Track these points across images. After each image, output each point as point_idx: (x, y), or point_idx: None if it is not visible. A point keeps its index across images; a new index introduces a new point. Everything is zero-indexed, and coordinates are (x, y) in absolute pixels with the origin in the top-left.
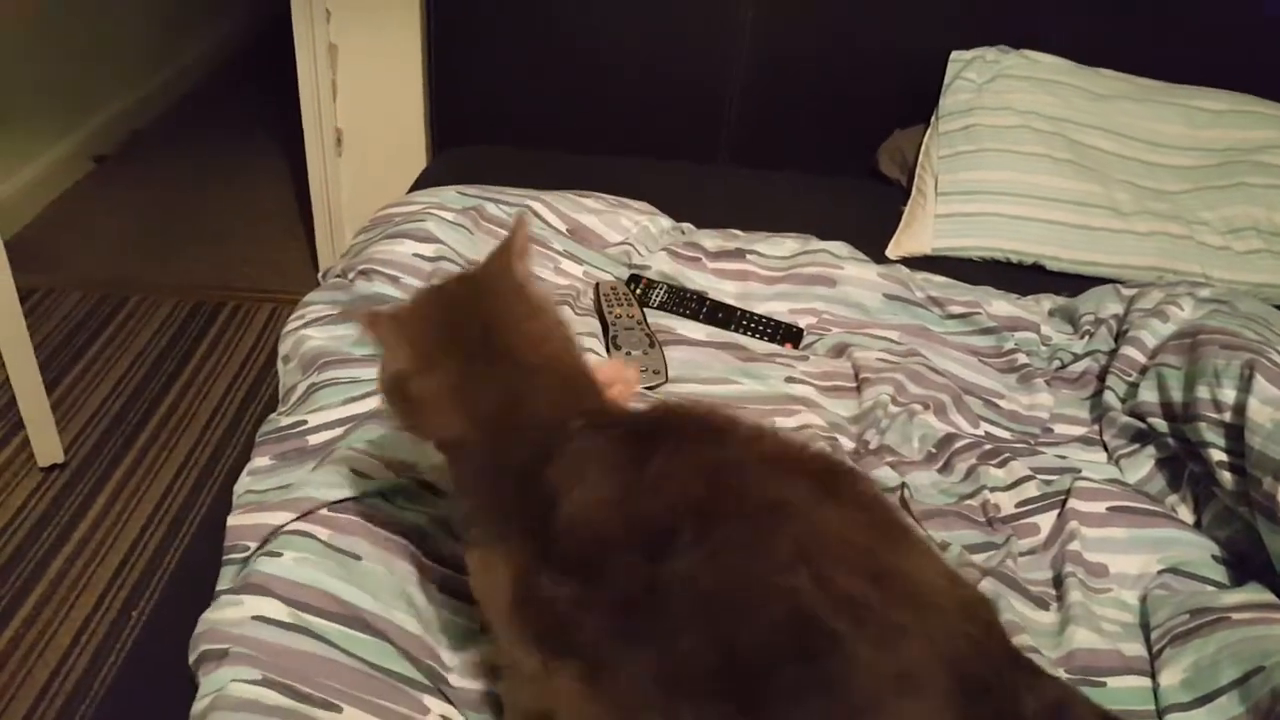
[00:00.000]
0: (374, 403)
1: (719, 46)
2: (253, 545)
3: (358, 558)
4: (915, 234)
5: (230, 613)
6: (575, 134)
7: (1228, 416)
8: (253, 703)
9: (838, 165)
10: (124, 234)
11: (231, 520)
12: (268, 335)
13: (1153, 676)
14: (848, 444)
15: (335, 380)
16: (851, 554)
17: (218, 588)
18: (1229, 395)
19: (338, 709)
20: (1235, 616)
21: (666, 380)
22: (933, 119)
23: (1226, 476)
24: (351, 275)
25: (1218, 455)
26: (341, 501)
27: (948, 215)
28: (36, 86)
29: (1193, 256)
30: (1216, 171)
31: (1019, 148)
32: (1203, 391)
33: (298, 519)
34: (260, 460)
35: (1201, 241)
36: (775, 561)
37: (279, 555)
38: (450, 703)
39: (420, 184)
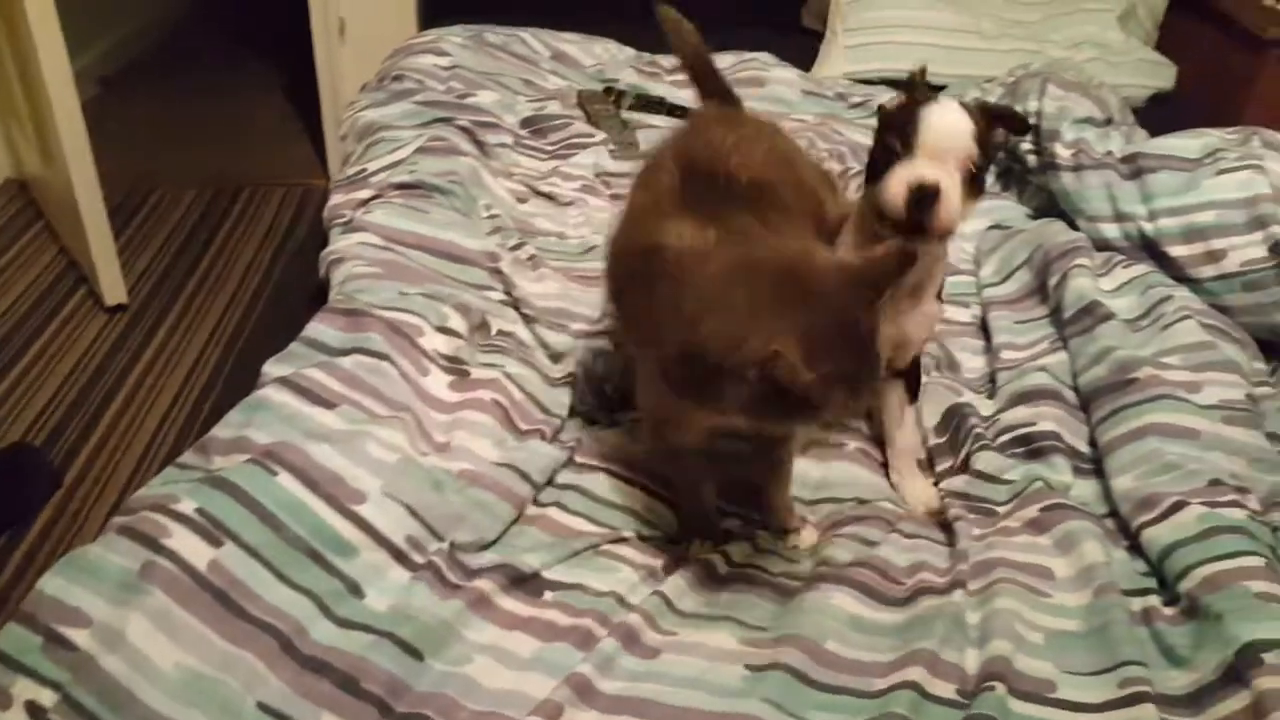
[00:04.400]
0: (408, 151)
1: None
2: (348, 214)
3: (427, 211)
4: (831, 63)
5: (342, 242)
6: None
7: (1032, 120)
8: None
9: (769, 23)
10: (138, 141)
11: (333, 200)
12: (283, 213)
13: (976, 275)
14: None
15: (382, 139)
16: None
17: (328, 246)
18: (1033, 105)
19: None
20: (1028, 227)
21: (639, 149)
22: None
23: (1031, 159)
24: (386, 81)
25: (1026, 146)
26: (403, 185)
27: (854, 46)
28: None
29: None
30: (1061, 2)
31: None
32: (1018, 110)
33: (376, 196)
34: (337, 198)
35: (1049, 55)
36: None
37: (372, 211)
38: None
39: None
